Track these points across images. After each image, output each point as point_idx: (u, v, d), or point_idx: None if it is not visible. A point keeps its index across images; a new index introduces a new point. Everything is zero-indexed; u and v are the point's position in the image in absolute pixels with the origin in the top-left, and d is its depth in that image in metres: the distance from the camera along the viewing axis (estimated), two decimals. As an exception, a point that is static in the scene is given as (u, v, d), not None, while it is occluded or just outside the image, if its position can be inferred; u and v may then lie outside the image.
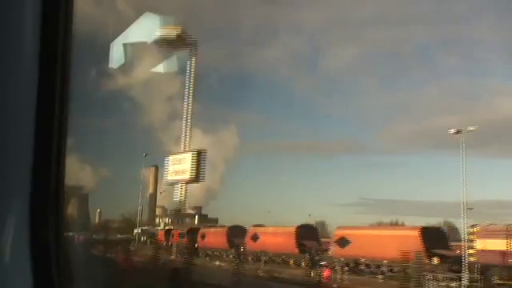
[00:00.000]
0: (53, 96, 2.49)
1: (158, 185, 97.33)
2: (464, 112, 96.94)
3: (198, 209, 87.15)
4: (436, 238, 35.66)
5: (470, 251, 33.47)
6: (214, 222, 69.42)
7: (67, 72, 2.57)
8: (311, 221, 56.75)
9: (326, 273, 34.89)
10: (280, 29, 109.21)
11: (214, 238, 54.21)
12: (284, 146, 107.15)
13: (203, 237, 56.16)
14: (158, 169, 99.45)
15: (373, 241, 37.68)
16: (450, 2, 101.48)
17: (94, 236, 58.05)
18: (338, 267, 37.78)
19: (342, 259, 39.23)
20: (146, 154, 67.03)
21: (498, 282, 31.14)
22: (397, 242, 35.54)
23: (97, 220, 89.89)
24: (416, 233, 35.84)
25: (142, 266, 36.46)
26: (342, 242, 39.92)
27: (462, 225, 35.78)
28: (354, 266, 38.99)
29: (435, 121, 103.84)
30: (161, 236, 66.61)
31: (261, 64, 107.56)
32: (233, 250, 49.56)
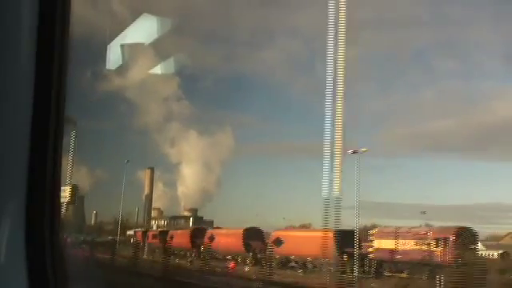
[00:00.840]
0: (49, 96, 2.48)
1: (154, 187, 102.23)
2: (461, 114, 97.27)
3: (194, 211, 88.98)
4: (347, 239, 43.66)
5: (370, 249, 41.55)
6: (209, 224, 70.03)
7: (64, 73, 2.58)
8: (286, 223, 59.90)
9: (231, 265, 43.17)
10: (277, 31, 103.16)
11: (180, 238, 61.98)
12: (280, 148, 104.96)
13: (171, 238, 64.02)
14: (154, 171, 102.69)
15: (299, 241, 45.75)
16: (447, 5, 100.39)
17: (88, 237, 60.64)
18: (274, 263, 45.92)
19: (277, 256, 47.32)
20: (127, 161, 66.85)
21: (387, 274, 39.24)
22: (316, 242, 43.55)
23: (92, 222, 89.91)
24: (331, 234, 43.86)
25: (123, 265, 43.56)
26: (277, 242, 48.00)
27: (356, 226, 43.46)
28: (286, 262, 47.11)
29: (432, 123, 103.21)
30: (138, 236, 74.36)
31: (257, 66, 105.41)
32: (194, 250, 57.61)
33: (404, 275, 37.74)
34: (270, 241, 50.16)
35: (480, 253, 39.37)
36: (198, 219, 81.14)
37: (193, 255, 56.34)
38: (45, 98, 2.45)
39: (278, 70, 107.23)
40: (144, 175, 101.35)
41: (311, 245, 43.73)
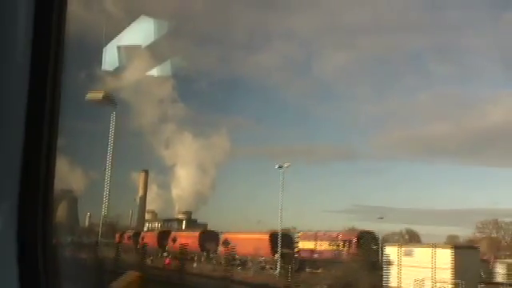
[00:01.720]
0: (43, 97, 2.48)
1: (148, 189, 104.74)
2: (456, 119, 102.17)
3: (188, 213, 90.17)
4: (283, 241, 51.97)
5: (296, 250, 49.98)
6: (202, 227, 71.83)
7: (59, 73, 2.57)
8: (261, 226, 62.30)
9: (167, 261, 51.36)
10: (273, 34, 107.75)
11: (149, 239, 70.21)
12: (276, 151, 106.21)
13: (143, 239, 72.23)
14: (148, 173, 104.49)
15: (243, 242, 54.05)
16: (443, 10, 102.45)
17: (79, 239, 62.70)
18: (222, 261, 54.17)
19: (225, 255, 55.61)
20: (104, 168, 67.54)
21: (308, 270, 47.61)
22: (255, 243, 51.92)
23: (86, 223, 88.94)
24: (267, 237, 52.27)
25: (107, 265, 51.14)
26: (225, 243, 56.30)
27: (278, 229, 51.76)
28: (232, 260, 55.38)
29: (427, 127, 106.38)
30: (117, 238, 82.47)
31: (253, 69, 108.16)
32: (160, 250, 65.89)
33: (320, 271, 46.12)
34: (220, 242, 58.51)
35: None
36: (192, 222, 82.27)
37: (159, 255, 64.60)
38: (39, 99, 2.43)
39: (274, 72, 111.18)
40: (138, 177, 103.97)
41: (252, 246, 52.13)
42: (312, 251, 47.86)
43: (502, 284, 33.44)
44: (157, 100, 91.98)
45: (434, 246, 33.58)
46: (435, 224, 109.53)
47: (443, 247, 33.40)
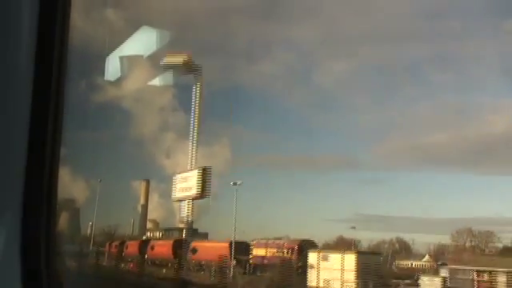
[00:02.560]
0: (47, 106, 2.52)
1: (149, 199, 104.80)
2: (456, 128, 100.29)
3: (190, 223, 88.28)
4: (238, 249, 58.64)
5: (251, 256, 56.70)
6: (203, 237, 73.73)
7: (62, 82, 2.60)
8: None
9: (131, 265, 57.62)
10: (274, 43, 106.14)
11: (131, 248, 77.21)
12: (277, 161, 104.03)
13: (126, 248, 79.20)
14: (149, 183, 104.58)
15: (207, 250, 60.91)
16: (443, 19, 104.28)
17: (81, 248, 65.73)
18: (191, 266, 61.02)
19: (193, 261, 62.47)
20: (100, 180, 68.19)
21: (259, 273, 54.25)
22: (217, 250, 58.71)
23: (88, 232, 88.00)
24: (227, 245, 59.07)
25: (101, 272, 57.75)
26: (193, 250, 63.18)
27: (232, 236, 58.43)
28: (200, 266, 62.19)
29: (428, 137, 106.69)
30: (106, 247, 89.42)
31: (254, 78, 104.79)
32: (140, 257, 72.81)
33: (266, 274, 52.78)
34: (188, 250, 65.33)
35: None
36: (193, 231, 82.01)
37: (136, 262, 71.60)
38: (43, 106, 2.46)
39: (276, 82, 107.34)
40: (140, 187, 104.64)
41: (215, 253, 58.89)
42: (263, 257, 54.52)
43: (398, 285, 39.94)
44: (158, 108, 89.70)
45: (343, 251, 40.11)
46: (435, 233, 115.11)
47: (350, 253, 39.97)
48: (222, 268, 57.10)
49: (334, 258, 40.35)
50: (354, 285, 37.79)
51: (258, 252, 55.99)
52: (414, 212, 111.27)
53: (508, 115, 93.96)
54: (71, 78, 2.68)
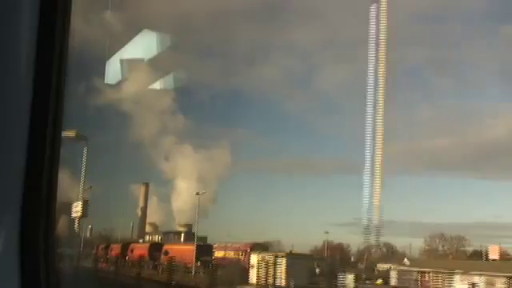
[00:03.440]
0: (47, 109, 2.51)
1: (149, 201, 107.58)
2: (457, 133, 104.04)
3: (189, 226, 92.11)
4: (204, 251, 66.99)
5: (213, 258, 65.27)
6: (202, 240, 75.40)
7: (62, 85, 2.60)
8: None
9: (103, 265, 65.92)
10: (274, 47, 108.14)
11: (115, 251, 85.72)
12: (277, 165, 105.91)
13: (111, 250, 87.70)
14: (149, 186, 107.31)
15: (177, 252, 69.42)
16: (444, 24, 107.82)
17: (79, 251, 69.45)
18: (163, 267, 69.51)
19: (166, 263, 70.96)
20: (90, 186, 70.21)
21: (219, 273, 62.71)
22: (186, 252, 67.23)
23: (87, 236, 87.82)
24: (193, 247, 67.61)
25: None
26: (165, 253, 71.78)
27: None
28: (174, 267, 70.65)
29: (429, 142, 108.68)
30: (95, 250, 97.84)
31: (255, 81, 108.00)
32: (123, 259, 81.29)
33: (222, 272, 61.26)
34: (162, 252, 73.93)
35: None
36: (191, 235, 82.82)
37: (122, 264, 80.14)
38: (42, 110, 2.45)
39: (275, 85, 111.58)
40: (139, 190, 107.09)
41: (184, 255, 67.38)
42: (223, 258, 63.08)
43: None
44: (157, 112, 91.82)
45: (275, 254, 48.81)
46: (440, 237, 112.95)
47: (281, 255, 48.67)
48: (187, 267, 65.62)
49: (270, 258, 49.02)
50: (282, 281, 46.34)
51: (219, 254, 64.56)
52: (415, 216, 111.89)
53: (509, 119, 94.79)
54: (71, 81, 2.71)
